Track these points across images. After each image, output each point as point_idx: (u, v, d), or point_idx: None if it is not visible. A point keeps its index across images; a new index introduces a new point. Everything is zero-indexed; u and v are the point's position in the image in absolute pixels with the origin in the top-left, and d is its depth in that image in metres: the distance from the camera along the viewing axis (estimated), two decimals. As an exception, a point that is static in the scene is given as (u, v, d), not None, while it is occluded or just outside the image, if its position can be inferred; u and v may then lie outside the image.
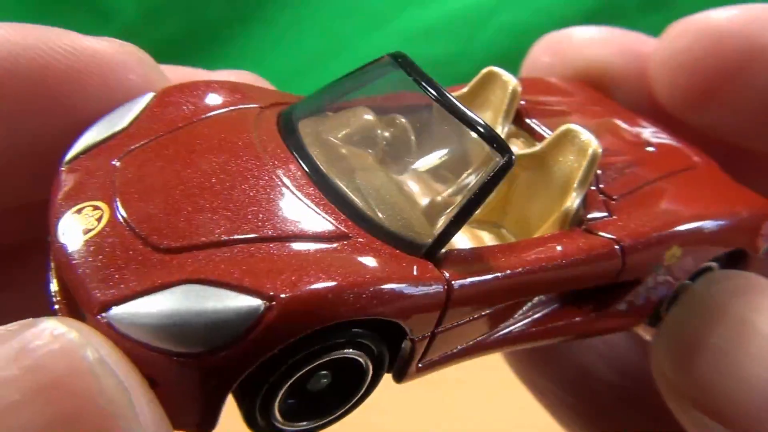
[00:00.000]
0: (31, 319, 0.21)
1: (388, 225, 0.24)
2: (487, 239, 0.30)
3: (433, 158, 0.28)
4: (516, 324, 0.29)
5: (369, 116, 0.29)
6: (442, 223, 0.25)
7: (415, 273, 0.23)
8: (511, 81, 0.32)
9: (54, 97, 0.26)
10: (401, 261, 0.23)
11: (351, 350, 0.23)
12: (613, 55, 0.38)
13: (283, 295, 0.21)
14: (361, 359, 0.24)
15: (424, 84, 0.26)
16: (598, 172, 0.29)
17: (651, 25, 0.59)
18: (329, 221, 0.24)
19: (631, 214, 0.29)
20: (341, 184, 0.25)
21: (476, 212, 0.27)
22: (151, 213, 0.23)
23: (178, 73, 0.31)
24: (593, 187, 0.29)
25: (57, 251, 0.23)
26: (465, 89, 0.34)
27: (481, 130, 0.25)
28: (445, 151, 0.28)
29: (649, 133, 0.35)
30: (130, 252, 0.22)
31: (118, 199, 0.24)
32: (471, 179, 0.25)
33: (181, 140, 0.26)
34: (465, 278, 0.24)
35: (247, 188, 0.24)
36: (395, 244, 0.24)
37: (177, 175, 0.24)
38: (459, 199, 0.25)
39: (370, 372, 0.24)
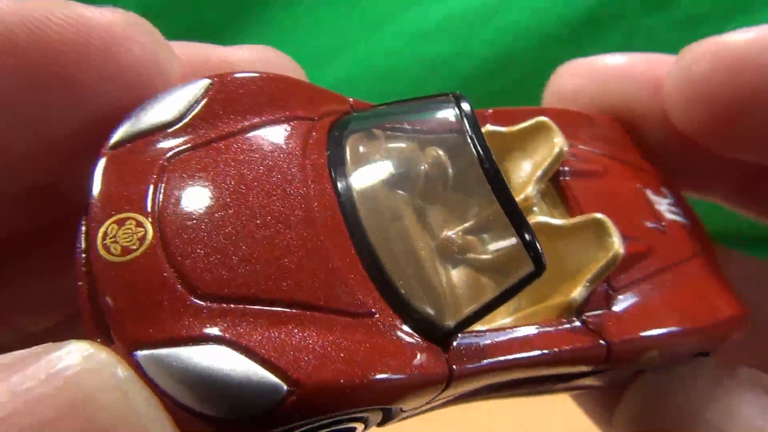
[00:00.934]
0: (55, 342, 0.21)
1: (414, 304, 0.24)
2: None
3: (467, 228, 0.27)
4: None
5: (415, 152, 0.28)
6: (464, 313, 0.24)
7: (426, 366, 0.23)
8: (559, 143, 0.30)
9: (54, 73, 0.25)
10: (418, 351, 0.23)
11: (351, 423, 0.23)
12: (637, 89, 0.37)
13: (305, 383, 0.21)
14: (357, 427, 0.24)
15: (476, 148, 0.25)
16: None
17: (651, 25, 0.59)
18: (358, 293, 0.23)
19: (626, 311, 0.28)
20: (377, 244, 0.24)
21: None
22: (193, 248, 0.22)
23: (187, 50, 0.29)
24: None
25: (94, 261, 0.22)
26: (512, 129, 0.32)
27: (525, 234, 0.24)
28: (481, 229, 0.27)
29: (666, 206, 0.34)
30: (169, 289, 0.22)
31: (162, 222, 0.22)
32: (499, 277, 0.25)
33: (232, 153, 0.24)
34: (464, 369, 0.24)
35: (289, 237, 0.23)
36: (415, 324, 0.24)
37: (224, 204, 0.23)
38: (482, 297, 0.25)
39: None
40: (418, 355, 0.23)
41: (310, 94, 0.27)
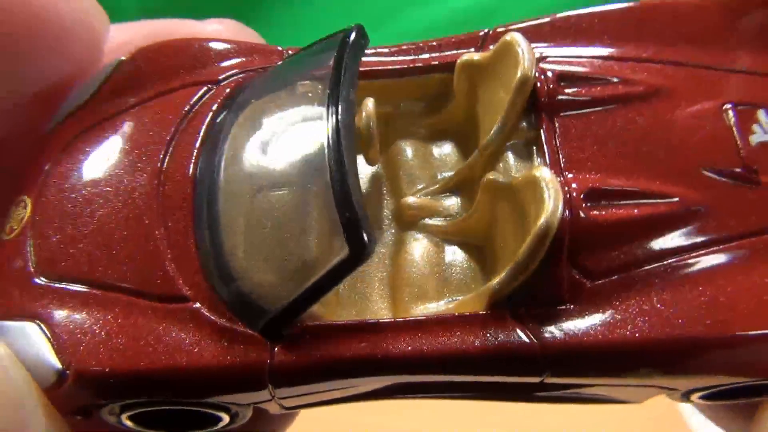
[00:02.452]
0: None
1: (244, 290, 0.22)
2: (459, 271, 0.24)
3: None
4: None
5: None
6: (288, 300, 0.22)
7: (234, 357, 0.21)
8: (523, 66, 0.23)
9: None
10: (227, 340, 0.21)
11: (216, 411, 0.23)
12: None
13: (75, 368, 0.22)
14: (222, 416, 0.23)
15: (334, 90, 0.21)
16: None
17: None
18: (178, 278, 0.22)
19: (598, 309, 0.21)
20: (224, 225, 0.22)
21: (455, 229, 0.24)
22: (49, 229, 0.23)
23: (156, 26, 0.29)
24: (565, 262, 0.21)
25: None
26: (485, 55, 0.26)
27: (345, 213, 0.20)
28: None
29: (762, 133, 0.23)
30: (23, 268, 0.23)
31: (37, 203, 0.23)
32: (316, 264, 0.21)
33: (114, 132, 0.24)
34: (298, 363, 0.21)
35: (126, 219, 0.23)
36: (239, 311, 0.22)
37: (86, 186, 0.23)
38: (300, 287, 0.21)
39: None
40: (225, 344, 0.21)
41: (222, 54, 0.26)
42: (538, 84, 0.23)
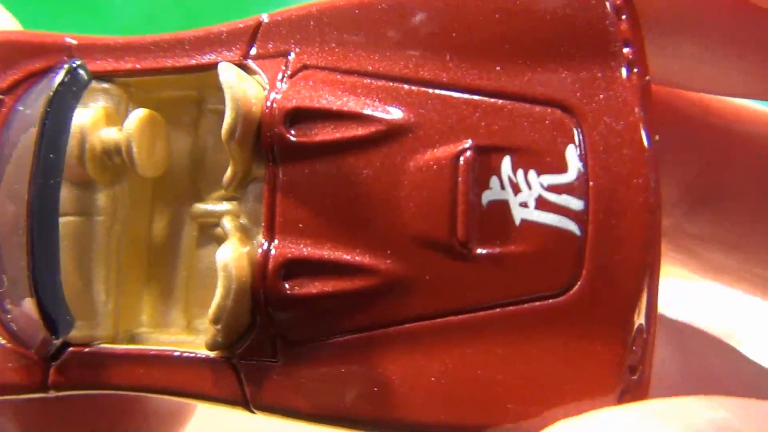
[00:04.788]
0: None
1: (9, 307, 0.21)
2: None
3: None
4: None
5: None
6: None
7: (11, 375, 0.20)
8: (228, 119, 0.19)
9: None
10: (10, 358, 0.20)
11: None
12: None
13: None
14: None
15: None
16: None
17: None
18: None
19: (300, 373, 0.19)
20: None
21: None
22: None
23: None
24: (267, 323, 0.20)
25: None
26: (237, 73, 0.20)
27: (41, 298, 0.19)
28: None
29: (537, 190, 0.18)
30: None
31: None
32: None
33: None
34: (70, 386, 0.21)
35: None
36: (18, 333, 0.21)
37: None
38: None
39: None
40: (7, 362, 0.20)
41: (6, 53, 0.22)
42: (267, 116, 0.19)
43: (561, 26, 0.18)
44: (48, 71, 0.21)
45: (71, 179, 0.21)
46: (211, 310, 0.19)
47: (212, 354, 0.20)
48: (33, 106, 0.20)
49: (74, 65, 0.20)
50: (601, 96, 0.17)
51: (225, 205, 0.21)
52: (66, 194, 0.21)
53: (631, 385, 0.17)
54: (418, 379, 0.18)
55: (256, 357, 0.19)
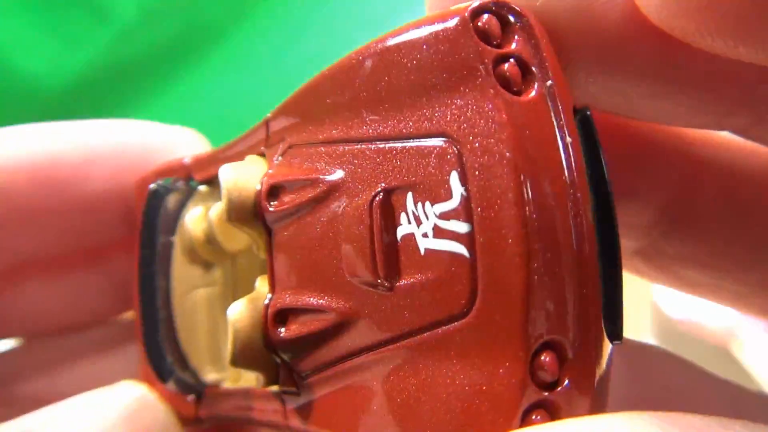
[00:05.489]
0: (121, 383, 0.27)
1: (173, 368, 0.27)
2: None
3: None
4: None
5: None
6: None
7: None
8: (224, 203, 0.23)
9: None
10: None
11: None
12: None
13: None
14: None
15: None
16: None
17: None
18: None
19: (318, 401, 0.22)
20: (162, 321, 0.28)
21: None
22: None
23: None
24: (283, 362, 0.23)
25: None
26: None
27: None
28: None
29: (432, 220, 0.19)
30: None
31: None
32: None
33: None
34: (210, 416, 0.27)
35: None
36: (175, 383, 0.27)
37: None
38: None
39: None
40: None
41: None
42: (262, 195, 0.23)
43: (432, 65, 0.19)
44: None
45: (196, 261, 0.27)
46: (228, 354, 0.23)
47: (272, 388, 0.23)
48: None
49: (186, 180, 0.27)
50: (475, 117, 0.18)
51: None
52: (196, 272, 0.27)
53: (546, 400, 0.17)
54: (366, 406, 0.20)
55: (287, 389, 0.23)
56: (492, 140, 0.17)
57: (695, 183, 0.25)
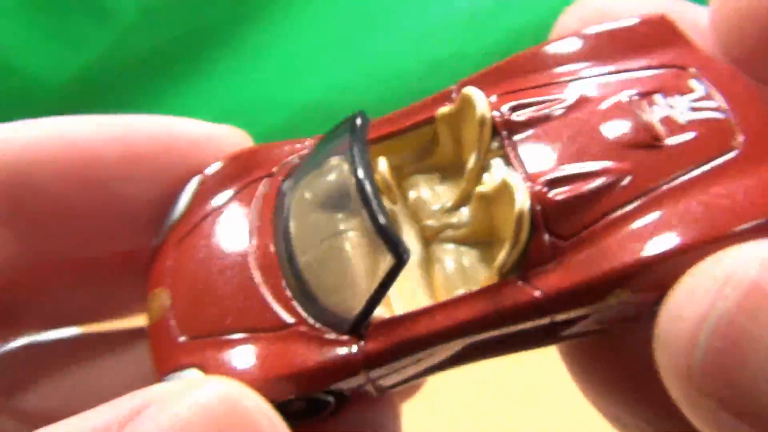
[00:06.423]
0: (192, 378, 0.28)
1: (328, 308, 0.30)
2: (472, 261, 0.32)
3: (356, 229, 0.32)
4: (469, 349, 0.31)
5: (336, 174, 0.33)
6: (360, 308, 0.29)
7: (334, 355, 0.29)
8: (480, 113, 0.31)
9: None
10: (326, 344, 0.30)
11: (326, 396, 0.31)
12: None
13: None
14: (330, 400, 0.31)
15: (353, 156, 0.30)
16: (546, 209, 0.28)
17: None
18: (279, 312, 0.30)
19: (573, 259, 0.28)
20: (302, 266, 0.31)
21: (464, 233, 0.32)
22: (183, 303, 0.32)
23: (154, 125, 0.33)
24: (543, 232, 0.28)
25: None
26: (452, 107, 0.33)
27: (380, 224, 0.28)
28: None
29: (687, 104, 0.31)
30: (173, 335, 0.31)
31: (174, 289, 0.32)
32: (372, 277, 0.30)
33: (210, 228, 0.33)
34: (381, 349, 0.29)
35: (233, 283, 0.32)
36: (328, 323, 0.30)
37: (201, 268, 0.32)
38: (365, 297, 0.29)
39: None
40: (325, 348, 0.30)
41: (270, 154, 0.35)
42: (497, 116, 0.31)
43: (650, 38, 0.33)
44: (267, 176, 0.34)
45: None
46: (513, 217, 0.28)
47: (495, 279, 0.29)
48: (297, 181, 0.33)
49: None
50: (696, 60, 0.32)
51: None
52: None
53: None
54: (673, 218, 0.28)
55: (537, 266, 0.28)
56: (718, 69, 0.31)
57: None
